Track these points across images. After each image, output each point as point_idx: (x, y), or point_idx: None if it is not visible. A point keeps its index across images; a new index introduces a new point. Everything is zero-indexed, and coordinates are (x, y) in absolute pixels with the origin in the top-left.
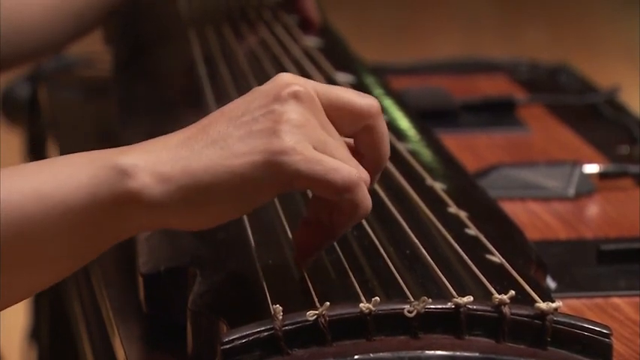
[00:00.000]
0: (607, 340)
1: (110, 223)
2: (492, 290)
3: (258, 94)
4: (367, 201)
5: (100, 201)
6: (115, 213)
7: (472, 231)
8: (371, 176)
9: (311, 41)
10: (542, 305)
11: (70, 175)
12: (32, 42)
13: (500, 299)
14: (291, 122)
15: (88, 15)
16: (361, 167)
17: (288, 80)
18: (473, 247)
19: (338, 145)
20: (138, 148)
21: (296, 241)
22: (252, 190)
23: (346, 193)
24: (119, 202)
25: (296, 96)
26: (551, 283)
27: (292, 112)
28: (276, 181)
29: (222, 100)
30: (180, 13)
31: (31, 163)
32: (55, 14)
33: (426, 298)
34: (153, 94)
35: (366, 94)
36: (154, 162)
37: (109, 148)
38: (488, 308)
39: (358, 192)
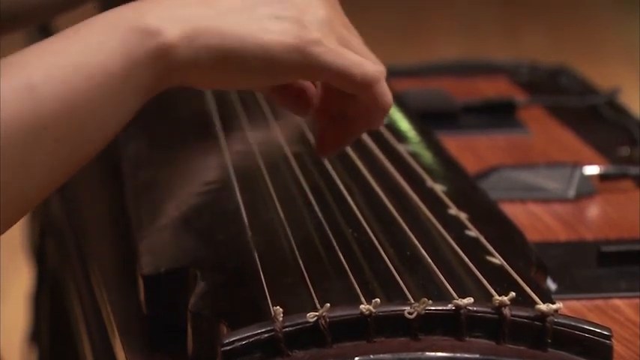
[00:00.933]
0: (607, 341)
1: (147, 80)
2: (492, 292)
3: None
4: (386, 96)
5: (135, 61)
6: (151, 70)
7: (472, 232)
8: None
9: None
10: (543, 307)
11: (100, 42)
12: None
13: (500, 301)
14: (318, 16)
15: None
16: (380, 64)
17: None
18: (473, 248)
19: (358, 42)
20: (159, 4)
21: (317, 134)
22: (277, 69)
23: (367, 86)
24: (153, 59)
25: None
26: (551, 285)
27: (319, 7)
28: (302, 67)
29: (224, 98)
30: None
31: (56, 38)
32: None
33: (426, 299)
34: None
35: (370, 62)
36: (181, 17)
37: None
38: (489, 310)
39: (378, 87)
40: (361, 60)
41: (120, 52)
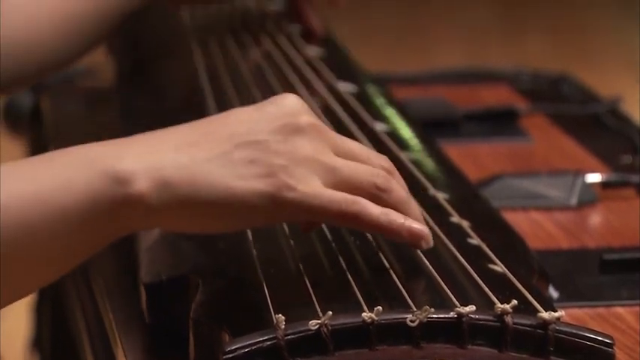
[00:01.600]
0: (609, 349)
1: (107, 224)
2: (495, 300)
3: (266, 115)
4: (376, 218)
5: (98, 206)
6: (113, 216)
7: (474, 240)
8: None
9: (313, 51)
10: (545, 315)
11: (68, 179)
12: (40, 60)
13: (502, 309)
14: (296, 156)
15: (96, 32)
16: (378, 173)
17: (295, 108)
18: (475, 256)
19: (347, 164)
20: (135, 149)
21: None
22: (249, 213)
23: (349, 220)
24: (117, 206)
25: (303, 128)
26: (553, 293)
27: (299, 145)
28: (274, 212)
29: (223, 105)
30: (182, 24)
31: (30, 161)
32: (64, 33)
33: (428, 307)
34: (155, 105)
35: (375, 160)
36: (154, 166)
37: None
38: (491, 318)
39: (363, 217)
40: (338, 196)
41: (85, 194)
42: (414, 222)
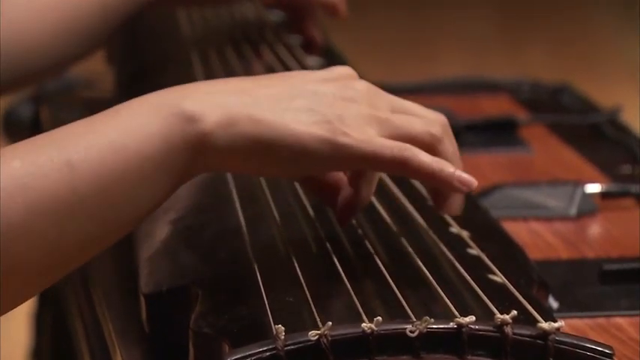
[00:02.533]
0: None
1: (183, 164)
2: (494, 310)
3: (324, 75)
4: (429, 165)
5: (173, 146)
6: (187, 155)
7: (474, 251)
8: None
9: (314, 61)
10: (545, 325)
11: (140, 124)
12: (41, 61)
13: (502, 319)
14: (351, 110)
15: (97, 34)
16: (435, 125)
17: (351, 73)
18: (475, 266)
19: (401, 117)
20: (199, 90)
21: (336, 203)
22: (308, 159)
23: (401, 165)
24: (190, 145)
25: (359, 88)
26: (553, 303)
27: (356, 100)
28: (331, 158)
29: None
30: (182, 34)
31: (93, 119)
32: (64, 34)
33: (428, 317)
34: None
35: (431, 116)
36: (220, 104)
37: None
38: (491, 328)
39: (413, 162)
40: (390, 143)
41: (159, 137)
42: (463, 172)
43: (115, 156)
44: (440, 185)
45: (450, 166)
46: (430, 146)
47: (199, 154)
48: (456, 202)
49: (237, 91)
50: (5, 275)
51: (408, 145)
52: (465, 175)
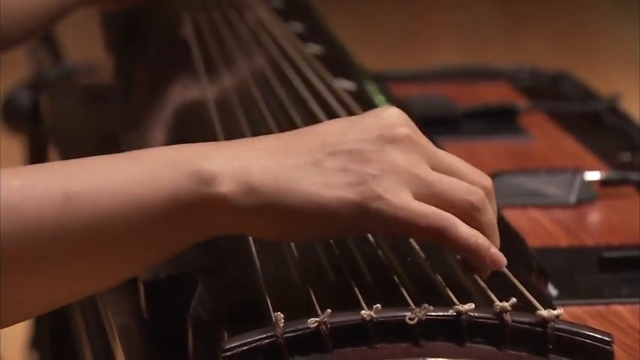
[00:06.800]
0: (608, 347)
1: (189, 224)
2: (494, 298)
3: (362, 126)
4: (471, 239)
5: (181, 203)
6: (196, 215)
7: None
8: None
9: (313, 48)
10: (544, 312)
11: (151, 174)
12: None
13: (501, 307)
14: (387, 166)
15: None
16: (477, 191)
17: (394, 120)
18: None
19: (441, 178)
20: (222, 152)
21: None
22: (333, 222)
23: (438, 235)
24: (202, 206)
25: (401, 139)
26: (552, 291)
27: (393, 155)
28: (361, 223)
29: (223, 107)
30: (183, 21)
31: (106, 158)
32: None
33: (427, 305)
34: (154, 101)
35: (474, 177)
36: (241, 170)
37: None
38: (490, 316)
39: (452, 233)
40: (427, 210)
41: (168, 191)
42: (496, 249)
43: (112, 198)
44: (472, 259)
45: (486, 242)
46: (469, 215)
47: (215, 216)
48: (485, 273)
49: (265, 155)
50: None
51: (445, 215)
52: (498, 255)
